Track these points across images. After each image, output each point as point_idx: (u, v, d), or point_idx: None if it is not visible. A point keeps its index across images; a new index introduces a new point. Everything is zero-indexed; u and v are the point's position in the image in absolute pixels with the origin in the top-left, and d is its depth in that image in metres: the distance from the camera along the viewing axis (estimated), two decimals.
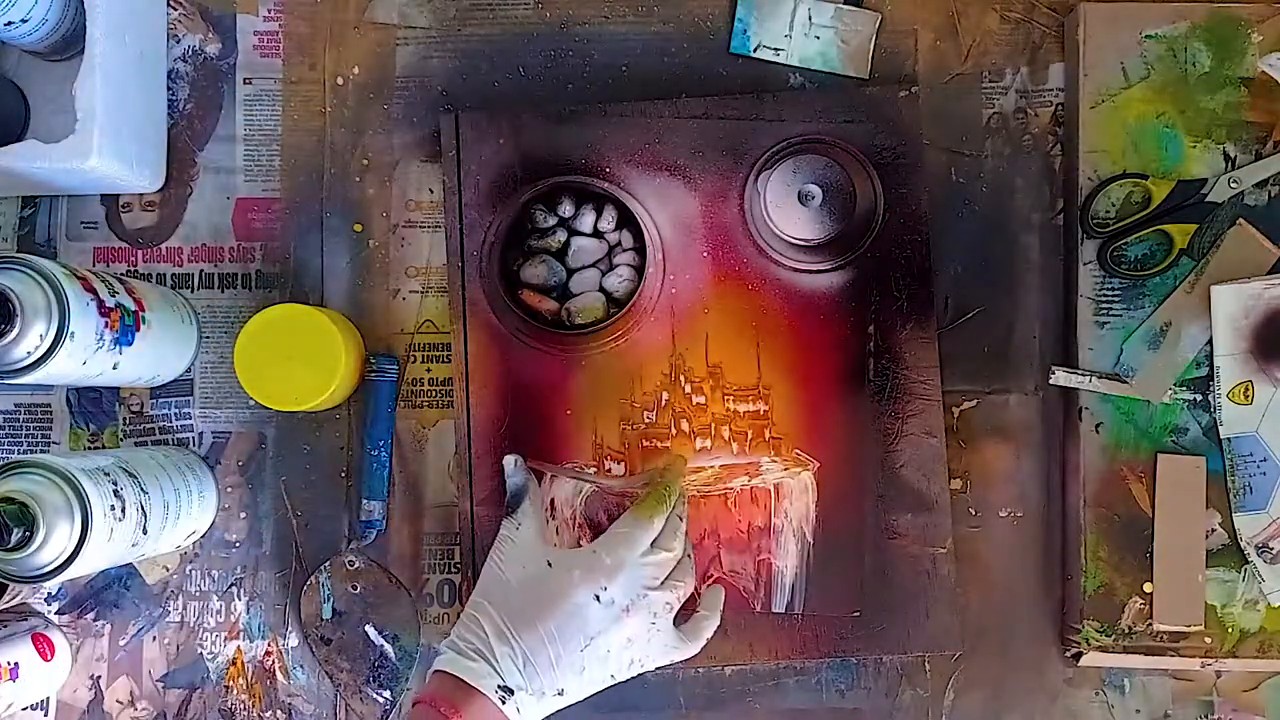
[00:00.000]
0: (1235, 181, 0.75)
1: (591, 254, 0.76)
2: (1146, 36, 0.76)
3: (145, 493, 0.69)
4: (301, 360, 0.73)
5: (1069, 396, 0.77)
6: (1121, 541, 0.75)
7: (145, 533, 0.69)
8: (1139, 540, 0.75)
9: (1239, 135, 0.76)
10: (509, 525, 0.71)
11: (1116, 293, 0.76)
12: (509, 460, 0.74)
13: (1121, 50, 0.76)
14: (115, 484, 0.67)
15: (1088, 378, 0.75)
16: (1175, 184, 0.75)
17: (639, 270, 0.76)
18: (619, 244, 0.77)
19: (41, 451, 0.80)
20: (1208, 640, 0.75)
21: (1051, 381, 0.76)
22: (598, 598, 0.66)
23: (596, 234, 0.77)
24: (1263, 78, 0.76)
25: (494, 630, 0.65)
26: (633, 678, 0.69)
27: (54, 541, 0.63)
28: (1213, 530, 0.75)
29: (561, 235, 0.77)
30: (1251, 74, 0.76)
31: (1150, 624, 0.75)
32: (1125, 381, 0.75)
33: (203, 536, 0.78)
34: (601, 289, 0.76)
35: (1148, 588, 0.75)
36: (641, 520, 0.69)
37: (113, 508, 0.66)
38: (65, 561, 0.64)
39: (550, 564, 0.68)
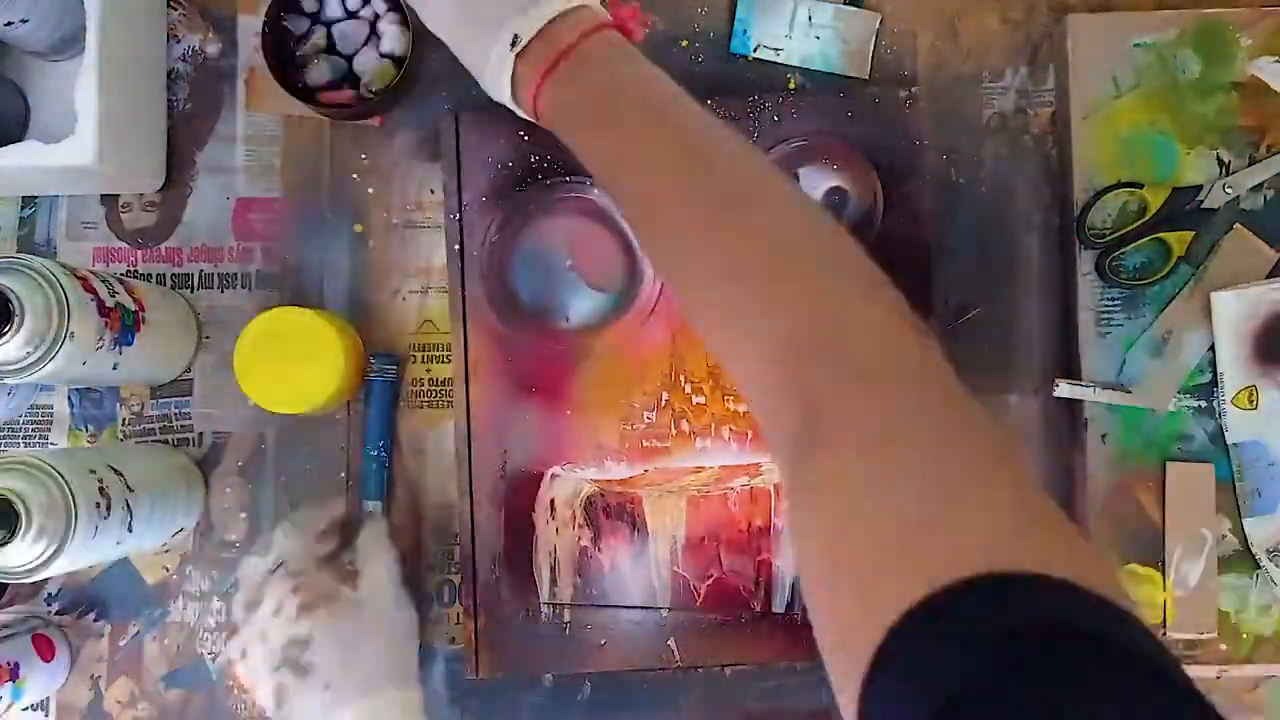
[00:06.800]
0: (1230, 187, 0.75)
1: (358, 34, 0.78)
2: (1135, 45, 0.76)
3: (131, 490, 0.69)
4: (301, 365, 0.73)
5: (1073, 408, 0.77)
6: (1132, 551, 0.75)
7: (131, 530, 0.69)
8: (1150, 550, 0.75)
9: (1232, 140, 0.76)
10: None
11: (1116, 302, 0.76)
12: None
13: (1111, 60, 0.76)
14: (101, 481, 0.67)
15: (1091, 389, 0.75)
16: (1170, 192, 0.75)
17: (404, 22, 0.77)
18: (376, 14, 0.78)
19: None
20: (1223, 647, 0.74)
21: (1055, 394, 0.75)
22: None
23: (350, 15, 0.78)
24: (1253, 81, 0.75)
25: None
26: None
27: (38, 538, 0.63)
28: (1223, 536, 0.75)
29: (320, 31, 0.78)
30: (1242, 78, 0.76)
31: (1164, 632, 0.74)
32: (1129, 391, 0.75)
33: (192, 531, 0.78)
34: (382, 56, 0.78)
35: (1160, 597, 0.75)
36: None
37: (98, 505, 0.66)
38: (49, 558, 0.64)
39: None
